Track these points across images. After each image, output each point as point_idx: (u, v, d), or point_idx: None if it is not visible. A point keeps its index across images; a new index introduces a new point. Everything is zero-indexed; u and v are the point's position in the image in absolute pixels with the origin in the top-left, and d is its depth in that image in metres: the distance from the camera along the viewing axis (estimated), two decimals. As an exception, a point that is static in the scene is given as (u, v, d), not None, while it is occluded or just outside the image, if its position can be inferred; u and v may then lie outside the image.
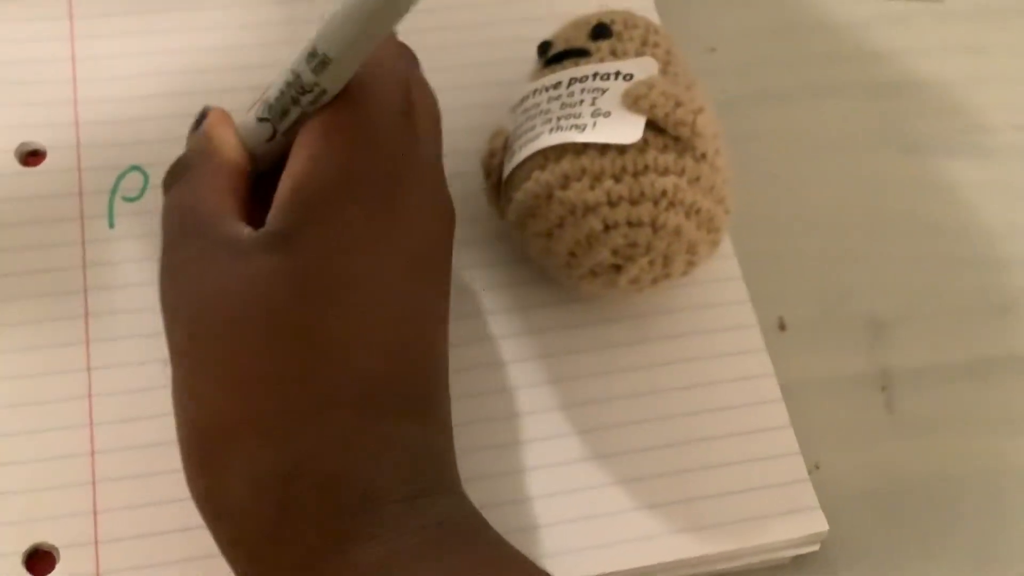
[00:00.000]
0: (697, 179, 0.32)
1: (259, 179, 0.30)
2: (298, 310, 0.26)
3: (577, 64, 0.34)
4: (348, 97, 0.28)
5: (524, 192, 0.33)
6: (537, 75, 0.35)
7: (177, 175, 0.30)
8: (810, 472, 0.33)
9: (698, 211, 0.32)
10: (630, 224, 0.31)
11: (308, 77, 0.28)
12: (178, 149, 0.36)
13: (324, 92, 0.28)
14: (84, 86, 0.37)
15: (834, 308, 0.38)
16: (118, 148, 0.36)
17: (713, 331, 0.35)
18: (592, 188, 0.31)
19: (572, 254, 0.32)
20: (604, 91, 0.32)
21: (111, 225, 0.35)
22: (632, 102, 0.32)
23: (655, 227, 0.31)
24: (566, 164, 0.32)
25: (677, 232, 0.32)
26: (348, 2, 0.26)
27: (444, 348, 0.29)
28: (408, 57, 0.32)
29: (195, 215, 0.28)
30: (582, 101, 0.32)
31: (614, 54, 0.34)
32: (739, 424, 0.34)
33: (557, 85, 0.33)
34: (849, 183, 0.40)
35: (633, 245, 0.32)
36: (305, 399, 0.26)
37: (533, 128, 0.33)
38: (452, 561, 0.26)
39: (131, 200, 0.36)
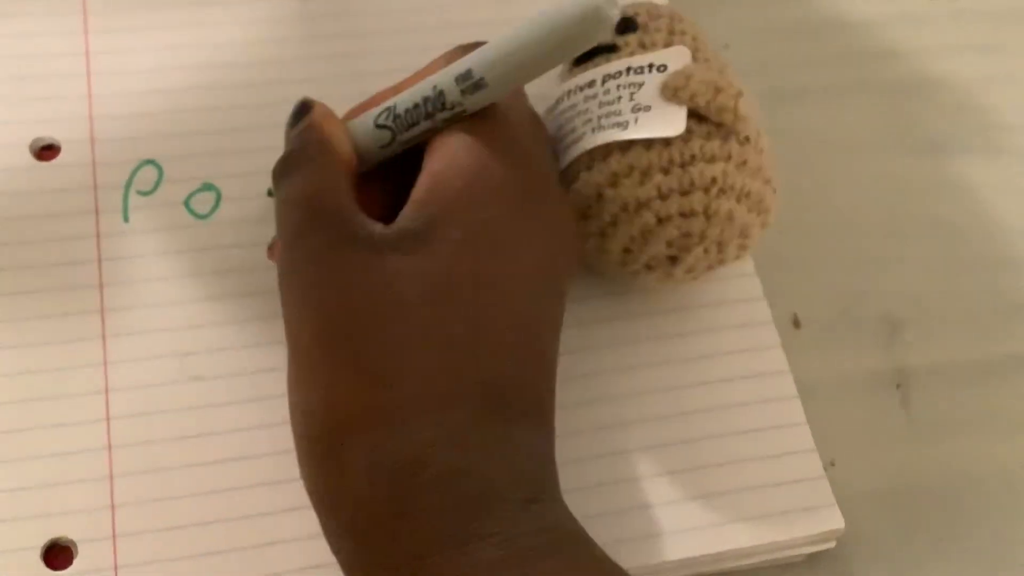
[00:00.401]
0: (744, 163, 0.32)
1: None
2: (431, 308, 0.27)
3: (608, 60, 0.34)
4: (488, 107, 0.29)
5: (573, 194, 0.33)
6: (567, 75, 0.35)
7: (292, 167, 0.30)
8: (825, 469, 0.33)
9: (748, 194, 0.32)
10: (683, 215, 0.31)
11: (454, 96, 0.28)
12: (193, 143, 0.37)
13: (464, 111, 0.28)
14: (98, 80, 0.37)
15: (849, 306, 0.38)
16: (132, 142, 0.36)
17: (728, 328, 0.35)
18: (642, 183, 0.31)
19: (627, 250, 0.32)
20: (640, 85, 0.32)
21: (126, 219, 0.35)
22: (672, 94, 0.32)
23: (708, 215, 0.31)
24: (613, 162, 0.32)
25: (730, 217, 0.32)
26: (523, 35, 0.27)
27: (556, 356, 0.30)
28: None
29: (322, 208, 0.28)
30: (620, 98, 0.32)
31: (643, 46, 0.33)
32: (755, 421, 0.34)
33: (591, 84, 0.33)
34: (864, 182, 0.40)
35: (687, 235, 0.32)
36: (431, 395, 0.26)
37: (575, 130, 0.33)
38: (564, 564, 0.26)
39: (145, 194, 0.35)
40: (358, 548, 0.26)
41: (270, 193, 0.34)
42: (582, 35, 0.26)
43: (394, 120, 0.30)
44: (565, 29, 0.26)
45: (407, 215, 0.28)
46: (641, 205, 0.32)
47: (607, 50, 0.34)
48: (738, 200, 0.32)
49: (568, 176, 0.33)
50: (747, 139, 0.32)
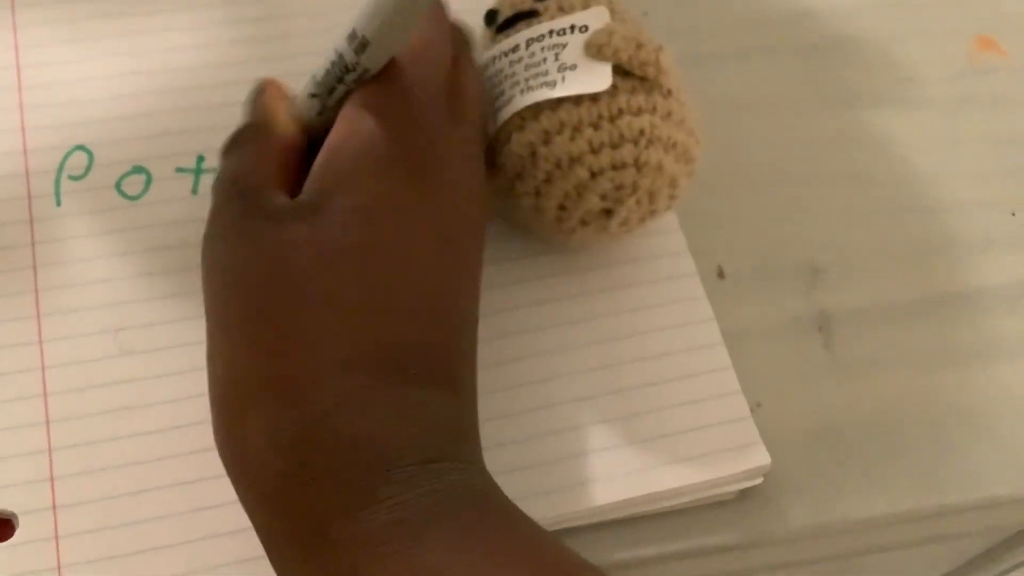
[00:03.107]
0: (669, 114, 0.33)
1: (310, 151, 0.31)
2: (322, 276, 0.27)
3: (530, 25, 0.34)
4: (388, 74, 0.29)
5: (506, 155, 0.33)
6: (490, 44, 0.35)
7: (230, 147, 0.30)
8: (752, 411, 0.34)
9: (674, 145, 0.33)
10: (614, 167, 0.32)
11: (350, 57, 0.29)
12: (122, 127, 0.37)
13: (367, 71, 0.29)
14: (28, 72, 0.38)
15: (771, 256, 0.39)
16: (63, 129, 0.37)
17: (655, 281, 0.36)
18: (573, 139, 0.32)
19: (562, 207, 0.33)
20: (564, 46, 0.33)
21: (58, 204, 0.35)
22: (596, 51, 0.33)
23: (638, 166, 0.32)
24: (544, 121, 0.32)
25: (659, 168, 0.33)
26: None
27: (471, 323, 0.30)
28: (460, 40, 0.32)
29: (240, 185, 0.29)
30: (545, 59, 0.33)
31: (562, 10, 0.34)
32: (683, 368, 0.35)
33: (515, 48, 0.34)
34: (782, 138, 0.41)
35: (620, 187, 0.32)
36: (325, 362, 0.26)
37: (503, 94, 0.34)
38: (459, 523, 0.26)
39: (77, 179, 0.36)
40: (265, 517, 0.27)
41: None
42: None
43: (317, 87, 0.30)
44: None
45: (306, 187, 0.28)
46: (574, 160, 0.32)
47: (528, 16, 0.35)
48: (666, 150, 0.33)
49: (500, 139, 0.33)
50: (669, 92, 0.33)
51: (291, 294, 0.27)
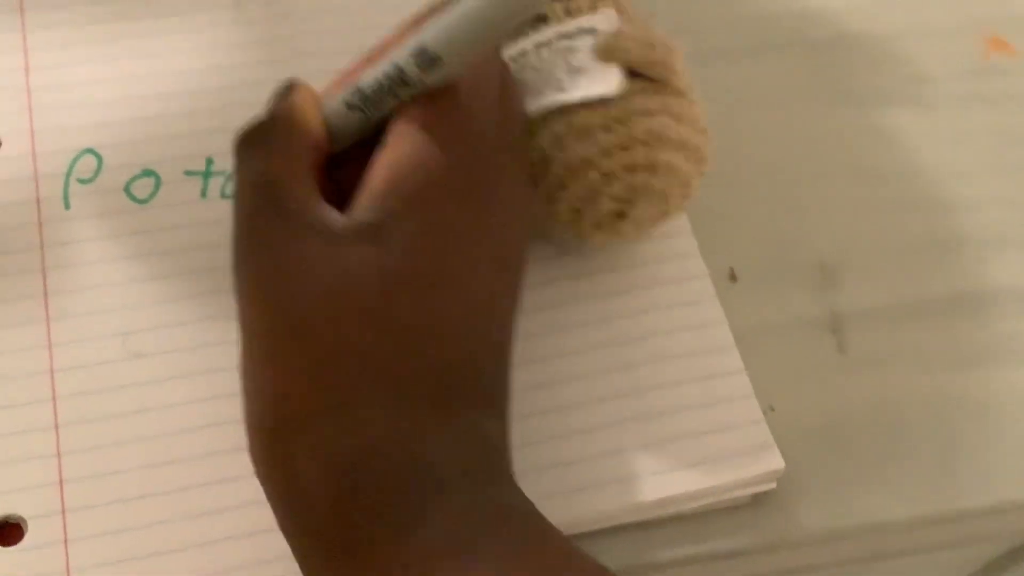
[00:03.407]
0: (680, 115, 0.33)
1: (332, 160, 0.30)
2: (388, 303, 0.26)
3: (537, 29, 0.34)
4: (448, 93, 0.28)
5: None
6: None
7: (255, 140, 0.29)
8: (765, 414, 0.34)
9: (686, 145, 0.33)
10: (627, 170, 0.32)
11: (413, 73, 0.28)
12: (129, 132, 0.37)
13: (424, 88, 0.28)
14: (36, 74, 0.38)
15: (783, 256, 0.38)
16: (71, 133, 0.37)
17: (667, 283, 0.36)
18: (586, 143, 0.32)
19: (576, 210, 0.33)
20: (573, 50, 0.33)
21: (67, 207, 0.35)
22: (606, 54, 0.32)
23: (651, 168, 0.32)
24: (555, 125, 0.32)
25: (671, 169, 0.32)
26: (468, 6, 0.27)
27: (512, 344, 0.30)
28: (501, 58, 0.32)
29: (279, 191, 0.27)
30: (555, 63, 0.33)
31: (569, 13, 0.34)
32: (695, 371, 0.34)
33: (524, 53, 0.34)
34: (793, 136, 0.41)
35: (633, 189, 0.32)
36: (386, 388, 0.26)
37: None
38: (503, 545, 0.26)
39: (86, 182, 0.36)
40: (310, 537, 0.26)
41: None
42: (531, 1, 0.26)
43: (362, 100, 0.29)
44: None
45: (364, 206, 0.27)
46: (586, 164, 0.32)
47: (534, 19, 0.35)
48: (677, 151, 0.33)
49: None
50: (681, 92, 0.33)
51: (352, 318, 0.26)
